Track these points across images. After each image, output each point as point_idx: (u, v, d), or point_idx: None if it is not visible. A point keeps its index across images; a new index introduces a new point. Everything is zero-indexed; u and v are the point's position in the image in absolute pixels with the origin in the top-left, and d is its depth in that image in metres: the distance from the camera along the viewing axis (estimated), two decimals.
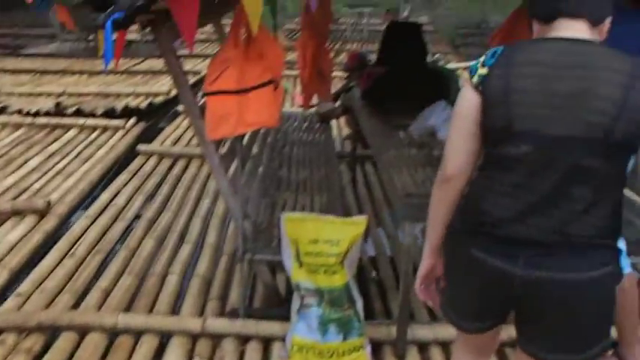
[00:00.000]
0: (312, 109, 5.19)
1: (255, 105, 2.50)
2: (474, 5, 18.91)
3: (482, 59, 1.61)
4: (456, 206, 1.72)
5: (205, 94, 2.46)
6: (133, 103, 7.67)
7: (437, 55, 11.05)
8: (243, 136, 2.73)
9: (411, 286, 2.58)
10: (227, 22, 4.19)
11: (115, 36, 2.16)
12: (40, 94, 8.08)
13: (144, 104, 7.63)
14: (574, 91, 1.46)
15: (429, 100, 3.62)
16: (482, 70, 1.58)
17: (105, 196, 4.69)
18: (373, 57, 4.58)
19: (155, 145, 5.98)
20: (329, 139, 4.88)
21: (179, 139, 6.31)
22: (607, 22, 1.58)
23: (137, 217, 4.39)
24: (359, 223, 2.63)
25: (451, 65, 8.80)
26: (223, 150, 3.00)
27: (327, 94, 4.99)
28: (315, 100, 5.08)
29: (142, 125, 6.75)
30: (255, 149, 3.98)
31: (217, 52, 2.60)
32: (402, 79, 4.14)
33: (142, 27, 2.53)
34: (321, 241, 2.56)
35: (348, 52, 11.95)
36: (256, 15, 2.23)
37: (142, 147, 5.79)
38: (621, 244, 2.37)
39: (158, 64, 10.15)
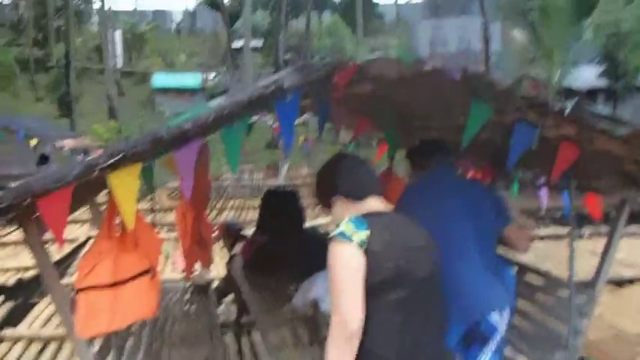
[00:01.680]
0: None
1: (132, 297, 2.42)
2: None
3: (350, 227, 1.90)
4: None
5: (76, 291, 2.35)
6: None
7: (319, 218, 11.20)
8: None
9: None
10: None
11: None
12: None
13: (11, 281, 7.10)
14: (421, 244, 2.02)
15: (309, 268, 3.65)
16: (362, 234, 1.88)
17: None
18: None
19: (23, 329, 5.48)
20: (212, 309, 4.74)
21: (51, 317, 5.83)
22: None
23: None
24: None
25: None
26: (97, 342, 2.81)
27: (209, 260, 4.92)
28: (197, 267, 4.99)
29: (8, 305, 6.26)
30: (133, 327, 3.77)
31: (91, 244, 2.52)
32: (281, 249, 4.19)
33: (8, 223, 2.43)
34: None
35: (231, 208, 12.08)
36: (131, 210, 2.23)
37: (7, 332, 5.29)
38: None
39: None
